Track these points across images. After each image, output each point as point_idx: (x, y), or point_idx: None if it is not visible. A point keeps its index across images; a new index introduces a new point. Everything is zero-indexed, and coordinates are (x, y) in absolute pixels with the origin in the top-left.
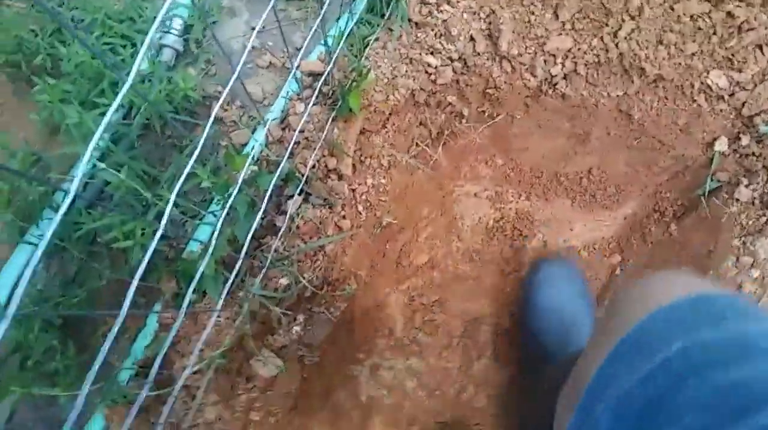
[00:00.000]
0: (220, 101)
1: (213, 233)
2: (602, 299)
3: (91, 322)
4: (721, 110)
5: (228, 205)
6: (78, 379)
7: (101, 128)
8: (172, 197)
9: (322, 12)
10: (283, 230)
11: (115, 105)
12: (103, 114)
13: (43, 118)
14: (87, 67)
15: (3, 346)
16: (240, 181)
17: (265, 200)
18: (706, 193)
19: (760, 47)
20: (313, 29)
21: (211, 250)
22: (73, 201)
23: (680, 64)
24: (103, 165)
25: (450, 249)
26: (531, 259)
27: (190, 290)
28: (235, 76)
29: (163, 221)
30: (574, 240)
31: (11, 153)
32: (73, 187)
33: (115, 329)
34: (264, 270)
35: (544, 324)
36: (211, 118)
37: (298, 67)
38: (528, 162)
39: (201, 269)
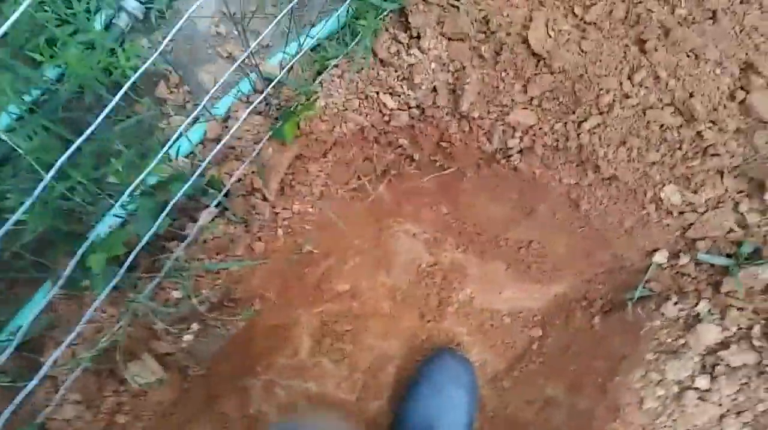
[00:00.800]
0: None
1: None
2: (512, 369)
3: None
4: (667, 225)
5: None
6: None
7: None
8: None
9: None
10: (188, 240)
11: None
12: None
13: None
14: (25, 17)
15: None
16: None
17: (168, 208)
18: (635, 299)
19: (721, 174)
20: (288, 31)
21: (104, 245)
22: None
23: (638, 169)
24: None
25: (375, 282)
26: (437, 346)
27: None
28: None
29: None
30: (501, 304)
31: None
32: None
33: None
34: (158, 279)
35: (412, 418)
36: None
37: (256, 65)
38: (472, 218)
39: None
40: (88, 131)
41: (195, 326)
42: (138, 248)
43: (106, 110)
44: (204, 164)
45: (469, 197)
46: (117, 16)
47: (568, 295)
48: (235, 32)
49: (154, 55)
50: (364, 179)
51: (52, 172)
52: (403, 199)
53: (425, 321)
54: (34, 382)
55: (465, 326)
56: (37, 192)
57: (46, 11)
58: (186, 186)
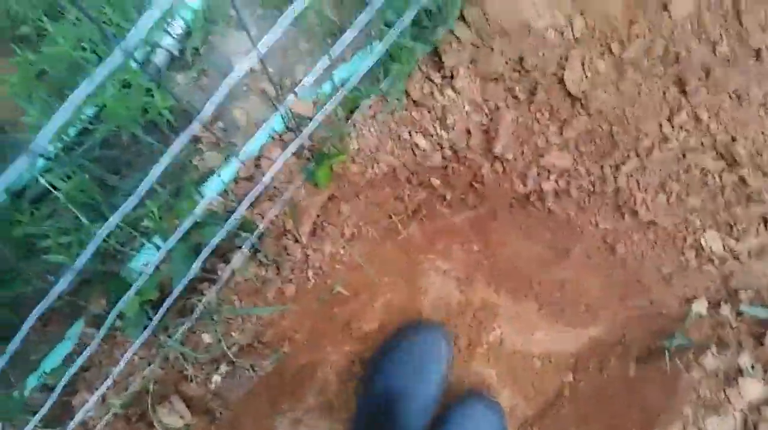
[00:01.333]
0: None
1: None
2: (542, 416)
3: (9, 324)
4: (707, 272)
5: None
6: None
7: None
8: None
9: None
10: (220, 283)
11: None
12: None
13: (12, 91)
14: (65, 55)
15: None
16: (185, 225)
17: (205, 253)
18: (672, 347)
19: (765, 221)
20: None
21: (137, 289)
22: (22, 192)
23: (678, 215)
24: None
25: (404, 321)
26: (467, 388)
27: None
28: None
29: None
30: (533, 346)
31: None
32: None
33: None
34: (186, 325)
35: None
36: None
37: (291, 104)
38: (504, 257)
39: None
40: None
41: (223, 368)
42: (170, 301)
43: None
44: (239, 209)
45: (501, 236)
46: (153, 53)
47: (602, 339)
48: (270, 69)
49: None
50: (395, 218)
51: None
52: (434, 237)
53: (455, 361)
54: (70, 427)
55: (495, 368)
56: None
57: (84, 49)
58: (221, 232)
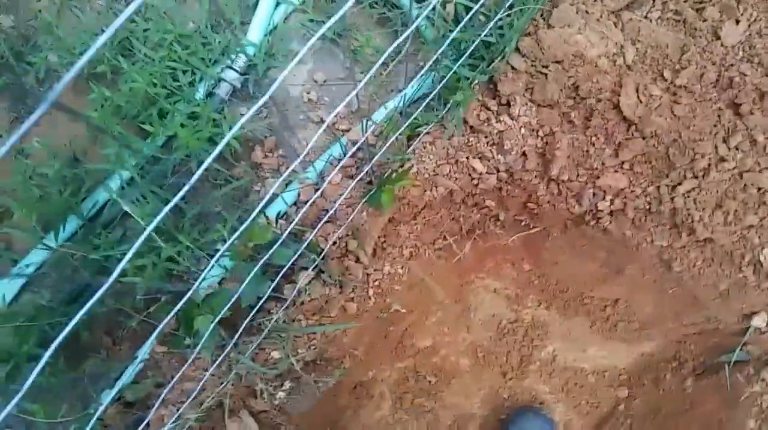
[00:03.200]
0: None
1: (220, 290)
2: (599, 428)
3: (85, 343)
4: (766, 288)
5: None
6: (58, 398)
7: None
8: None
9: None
10: (288, 302)
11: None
12: (144, 138)
13: (91, 127)
14: (140, 91)
15: None
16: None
17: (279, 276)
18: (732, 363)
19: None
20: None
21: (207, 305)
22: (98, 215)
23: (735, 232)
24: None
25: (456, 338)
26: (520, 404)
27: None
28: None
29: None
30: (585, 362)
31: (52, 154)
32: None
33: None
34: (256, 343)
35: None
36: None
37: (347, 131)
38: (555, 275)
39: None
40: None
41: (288, 385)
42: (248, 320)
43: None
44: (311, 233)
45: (553, 255)
46: (217, 86)
47: (656, 355)
48: (326, 98)
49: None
50: (450, 239)
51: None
52: (486, 255)
53: (507, 379)
54: None
55: (548, 385)
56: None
57: (155, 85)
58: (293, 256)
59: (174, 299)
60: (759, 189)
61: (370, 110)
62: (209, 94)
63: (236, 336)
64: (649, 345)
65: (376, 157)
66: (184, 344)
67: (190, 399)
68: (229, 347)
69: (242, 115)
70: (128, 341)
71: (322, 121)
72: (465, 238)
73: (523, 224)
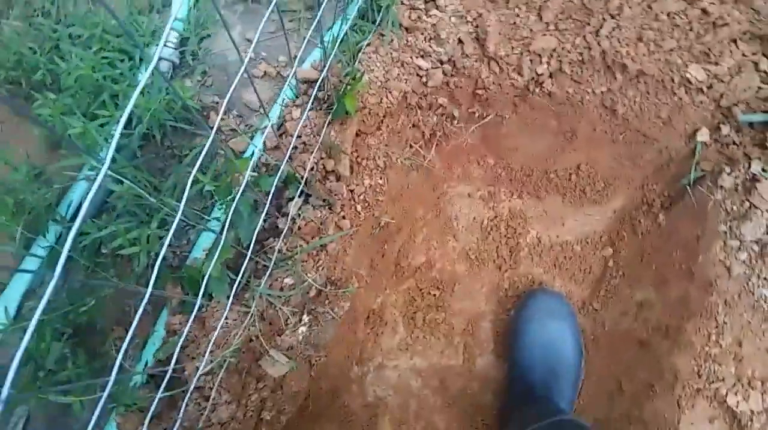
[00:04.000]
0: (221, 112)
1: (220, 235)
2: (596, 292)
3: (100, 329)
4: (701, 102)
5: (231, 209)
6: (90, 387)
7: (117, 135)
8: (182, 205)
9: (318, 17)
10: (285, 230)
11: (125, 117)
12: (104, 125)
13: (43, 132)
14: (87, 80)
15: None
16: (244, 182)
17: (268, 200)
18: (691, 183)
19: (735, 41)
20: (306, 38)
21: (217, 252)
22: (78, 211)
23: (660, 59)
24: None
25: (446, 250)
26: (522, 291)
27: (200, 294)
28: (234, 85)
29: (172, 229)
30: (567, 235)
31: (14, 168)
32: (76, 196)
33: (128, 338)
34: (269, 271)
35: (528, 362)
36: (215, 127)
37: (294, 74)
38: (518, 161)
39: (208, 272)
40: None
41: (306, 318)
42: (253, 237)
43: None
44: (287, 156)
45: (511, 141)
46: (158, 66)
47: (627, 206)
48: (263, 54)
49: (231, 88)
50: (416, 146)
51: None
52: (452, 162)
53: (503, 272)
54: (191, 388)
55: (541, 266)
56: None
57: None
58: (276, 178)
59: (173, 269)
60: (668, 14)
61: (307, 51)
62: (152, 74)
63: (242, 270)
64: (618, 199)
65: (325, 71)
66: (199, 306)
67: (215, 332)
68: (237, 282)
69: (188, 88)
70: (141, 326)
71: (266, 74)
72: (429, 142)
73: (477, 115)
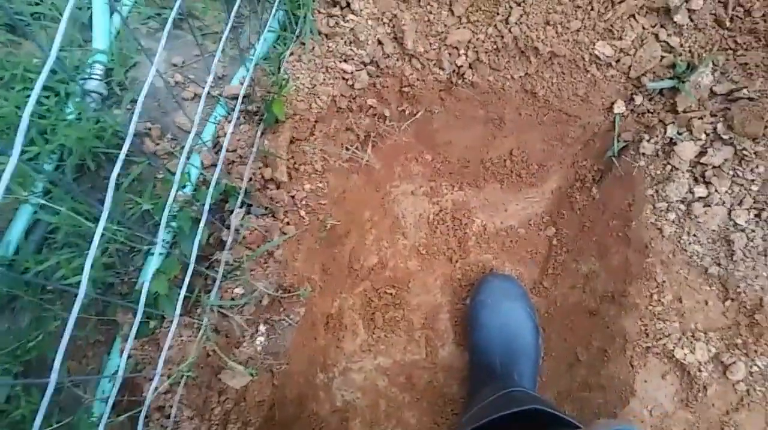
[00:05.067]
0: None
1: (164, 254)
2: (545, 271)
3: (51, 365)
4: (612, 76)
5: (168, 225)
6: (46, 423)
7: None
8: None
9: (226, 34)
10: (229, 241)
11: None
12: (33, 159)
13: None
14: (12, 119)
15: None
16: (172, 197)
17: (206, 212)
18: (616, 154)
19: (633, 16)
20: (230, 57)
21: (159, 269)
22: (17, 251)
23: (568, 40)
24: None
25: (397, 248)
26: (475, 279)
27: (140, 308)
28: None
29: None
30: (511, 220)
31: None
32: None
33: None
34: (218, 283)
35: (486, 344)
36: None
37: (222, 93)
38: (454, 154)
39: (150, 289)
40: None
41: (262, 328)
42: (194, 248)
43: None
44: (219, 167)
45: (444, 135)
46: (85, 98)
47: (562, 186)
48: (191, 76)
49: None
50: (352, 148)
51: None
52: (392, 161)
53: (454, 263)
54: (145, 407)
55: (490, 253)
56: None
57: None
58: (211, 189)
59: (122, 296)
60: None
61: (233, 69)
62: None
63: (187, 282)
64: (553, 179)
65: (249, 79)
66: (149, 329)
67: (164, 352)
68: (183, 290)
69: (118, 117)
70: (95, 357)
71: (196, 95)
72: (364, 143)
73: (407, 112)
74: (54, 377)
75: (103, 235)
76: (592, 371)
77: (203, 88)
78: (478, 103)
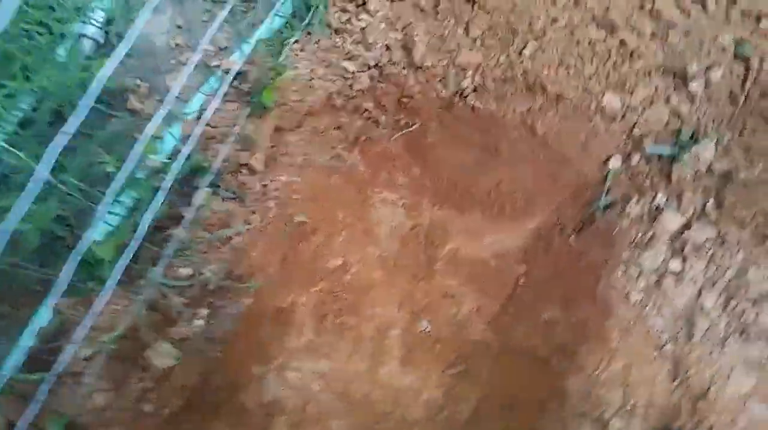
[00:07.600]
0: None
1: (119, 219)
2: (506, 308)
3: None
4: (614, 130)
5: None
6: None
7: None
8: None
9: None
10: (188, 218)
11: None
12: (10, 96)
13: None
14: None
15: None
16: (135, 163)
17: (168, 182)
18: (602, 208)
19: (649, 73)
20: (237, 30)
21: (110, 234)
22: None
23: (578, 86)
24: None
25: (365, 254)
26: (436, 303)
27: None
28: None
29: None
30: (484, 250)
31: None
32: None
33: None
34: (166, 260)
35: None
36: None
37: (219, 65)
38: (443, 173)
39: (95, 251)
40: None
41: (204, 311)
42: (149, 218)
43: None
44: (195, 142)
45: (437, 152)
46: (79, 43)
47: (542, 226)
48: (193, 41)
49: None
50: (339, 148)
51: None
52: (378, 167)
53: (418, 281)
54: (56, 370)
55: (455, 279)
56: None
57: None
58: (180, 164)
59: (70, 249)
60: (589, 42)
61: (236, 44)
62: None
63: (132, 254)
64: (535, 219)
65: (242, 60)
66: (88, 289)
67: (88, 320)
68: (125, 258)
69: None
70: (30, 305)
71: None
72: (352, 145)
73: (402, 123)
74: None
75: (50, 184)
76: (525, 421)
77: (202, 55)
78: (475, 128)
